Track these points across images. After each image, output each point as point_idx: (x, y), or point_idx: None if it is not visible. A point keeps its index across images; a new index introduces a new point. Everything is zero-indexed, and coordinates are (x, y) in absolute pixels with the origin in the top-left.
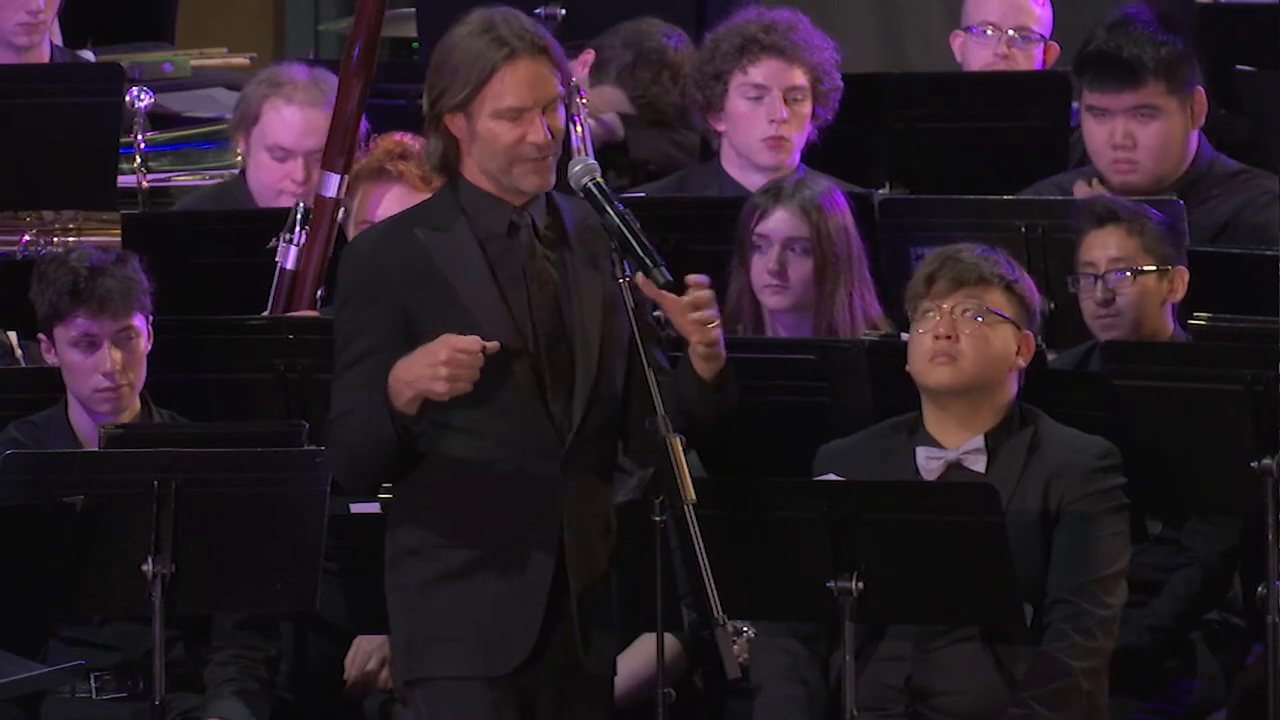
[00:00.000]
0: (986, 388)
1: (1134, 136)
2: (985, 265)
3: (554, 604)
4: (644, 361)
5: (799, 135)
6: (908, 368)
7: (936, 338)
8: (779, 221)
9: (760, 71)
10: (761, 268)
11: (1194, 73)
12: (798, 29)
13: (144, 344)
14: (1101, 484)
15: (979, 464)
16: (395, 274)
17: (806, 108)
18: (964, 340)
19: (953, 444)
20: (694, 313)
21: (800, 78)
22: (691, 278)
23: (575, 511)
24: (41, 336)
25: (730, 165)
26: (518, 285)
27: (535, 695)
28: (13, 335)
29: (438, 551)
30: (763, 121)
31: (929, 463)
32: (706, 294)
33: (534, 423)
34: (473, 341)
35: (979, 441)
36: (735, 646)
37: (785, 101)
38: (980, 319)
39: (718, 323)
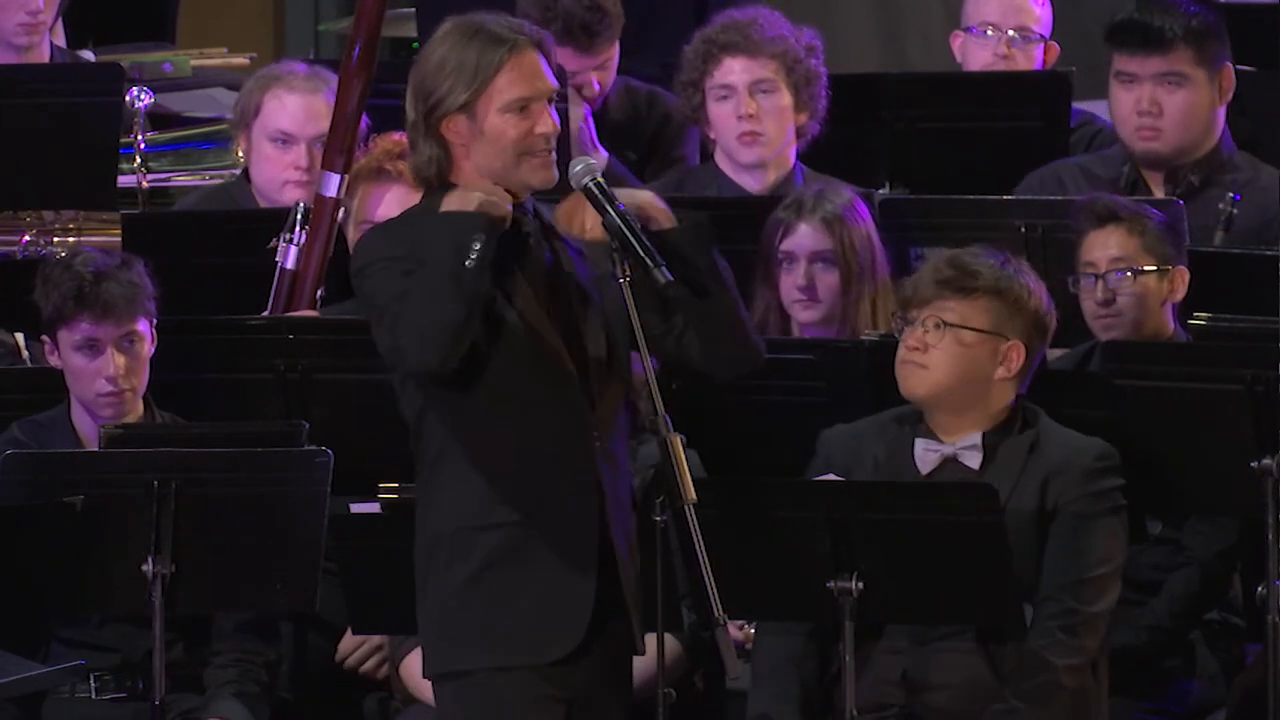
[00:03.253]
0: (963, 397)
1: (1160, 103)
2: (966, 274)
3: (602, 585)
4: (645, 361)
5: (777, 128)
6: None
7: (908, 347)
8: (804, 237)
9: (724, 71)
10: (790, 284)
11: (1224, 48)
12: (757, 23)
13: (147, 348)
14: (1098, 485)
15: (974, 460)
16: (418, 252)
17: (781, 99)
18: (932, 352)
19: (951, 438)
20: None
21: (764, 69)
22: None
23: (612, 495)
24: (45, 338)
25: (726, 166)
26: (535, 274)
27: (575, 682)
28: (20, 337)
29: (474, 539)
30: (732, 119)
31: (926, 454)
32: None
33: (563, 409)
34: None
35: (976, 439)
36: (739, 634)
37: (753, 95)
38: (949, 330)
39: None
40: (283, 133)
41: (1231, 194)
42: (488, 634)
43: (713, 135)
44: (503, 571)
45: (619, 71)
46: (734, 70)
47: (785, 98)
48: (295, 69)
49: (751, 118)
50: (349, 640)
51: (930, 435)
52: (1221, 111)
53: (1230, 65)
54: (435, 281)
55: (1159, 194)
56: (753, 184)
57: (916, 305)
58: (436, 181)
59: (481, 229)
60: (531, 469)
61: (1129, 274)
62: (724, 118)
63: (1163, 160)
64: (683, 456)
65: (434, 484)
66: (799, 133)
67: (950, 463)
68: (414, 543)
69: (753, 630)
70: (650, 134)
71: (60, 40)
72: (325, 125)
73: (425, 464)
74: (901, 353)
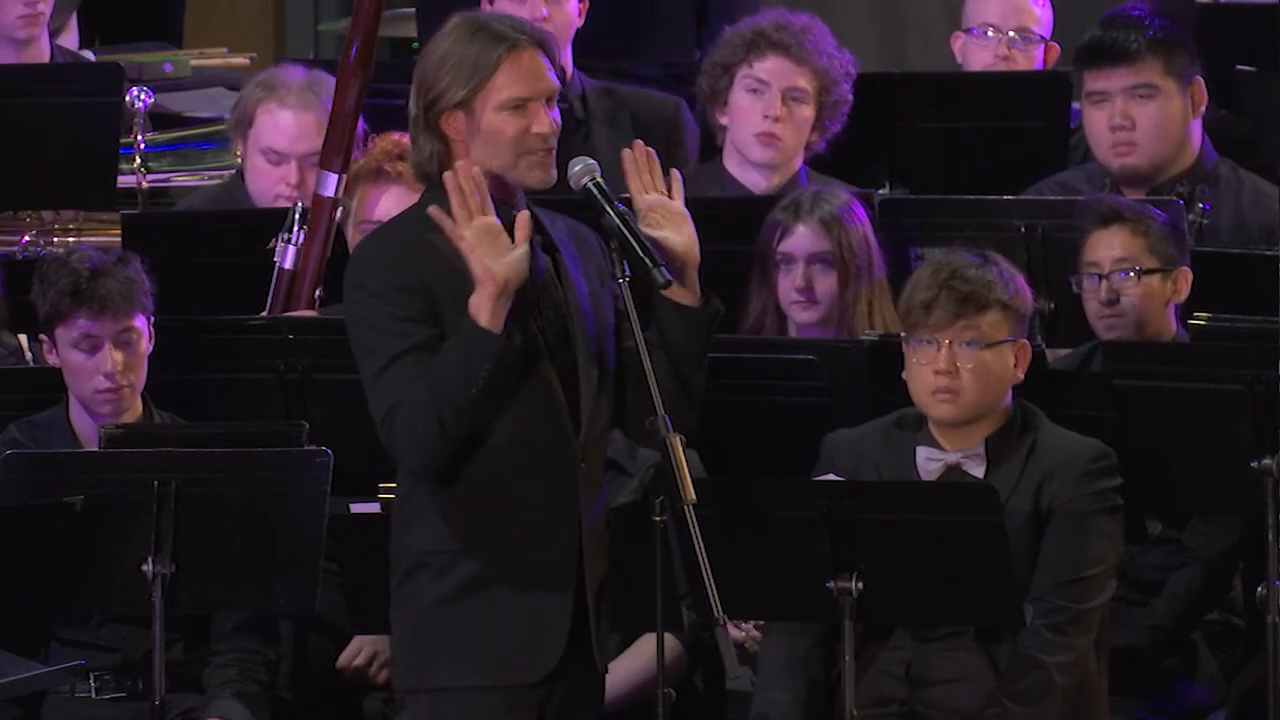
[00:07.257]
0: (988, 406)
1: (1132, 117)
2: (980, 287)
3: (575, 608)
4: (645, 362)
5: (795, 137)
6: (911, 395)
7: (937, 373)
8: (801, 238)
9: (764, 67)
10: (788, 285)
11: (1193, 62)
12: (811, 33)
13: (145, 345)
14: (1093, 486)
15: (978, 469)
16: (418, 270)
17: (807, 111)
18: (965, 375)
19: (954, 446)
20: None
21: (803, 80)
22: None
23: (589, 512)
24: (43, 337)
25: (731, 164)
26: (527, 290)
27: (547, 700)
28: (23, 338)
29: (453, 562)
30: (758, 115)
31: (928, 463)
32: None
33: (547, 422)
34: (485, 221)
35: (980, 447)
36: (743, 634)
37: (784, 101)
38: (979, 349)
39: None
40: (274, 150)
41: (1201, 204)
42: (461, 654)
43: (725, 121)
44: (480, 594)
45: (620, 74)
46: (775, 70)
47: (810, 112)
48: (292, 78)
49: (778, 121)
50: (346, 659)
51: (932, 442)
52: (1197, 125)
53: (1201, 79)
54: (437, 407)
55: None
56: (759, 181)
57: (936, 328)
58: (438, 176)
59: (493, 356)
60: (514, 495)
61: (1133, 274)
62: (749, 111)
63: (1141, 176)
64: (682, 457)
65: (413, 500)
66: (805, 147)
67: (954, 471)
68: (389, 549)
69: (753, 627)
70: (658, 146)
71: (74, 39)
72: (317, 143)
73: (406, 479)
74: (929, 379)
